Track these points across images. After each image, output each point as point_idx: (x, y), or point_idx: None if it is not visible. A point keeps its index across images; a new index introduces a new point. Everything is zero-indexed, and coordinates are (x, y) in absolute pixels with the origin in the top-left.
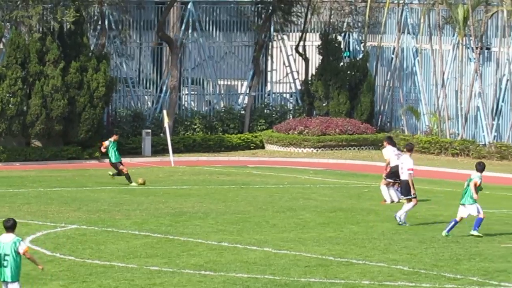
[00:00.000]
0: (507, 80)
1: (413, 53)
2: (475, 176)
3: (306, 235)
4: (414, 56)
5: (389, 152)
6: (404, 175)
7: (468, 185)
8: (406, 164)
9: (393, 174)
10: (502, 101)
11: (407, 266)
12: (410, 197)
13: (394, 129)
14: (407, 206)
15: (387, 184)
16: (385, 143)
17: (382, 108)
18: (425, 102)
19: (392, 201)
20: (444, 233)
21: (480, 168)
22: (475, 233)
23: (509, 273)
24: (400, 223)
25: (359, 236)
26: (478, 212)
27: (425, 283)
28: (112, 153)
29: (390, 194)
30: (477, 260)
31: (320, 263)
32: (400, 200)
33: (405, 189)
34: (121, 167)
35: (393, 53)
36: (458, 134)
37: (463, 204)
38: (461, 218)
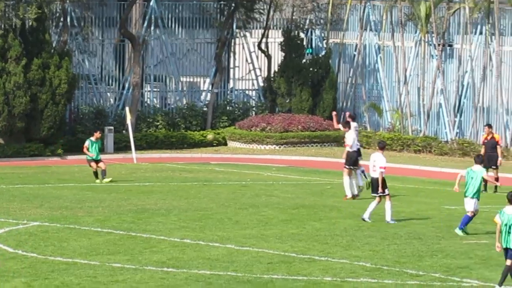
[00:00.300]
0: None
1: (376, 50)
2: (481, 169)
3: (268, 232)
4: (377, 53)
5: (351, 135)
6: (376, 173)
7: (472, 178)
8: (379, 162)
9: (352, 160)
10: (464, 98)
11: (369, 263)
12: (380, 194)
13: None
14: (387, 204)
15: (350, 174)
16: (347, 120)
17: (344, 105)
18: (387, 99)
19: (354, 196)
20: (458, 231)
21: (479, 160)
22: (459, 230)
23: (471, 269)
24: (392, 221)
25: (322, 233)
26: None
27: (388, 279)
28: (94, 151)
29: (353, 183)
30: (439, 256)
31: (283, 260)
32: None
33: (377, 187)
34: (100, 164)
35: (355, 50)
36: (421, 130)
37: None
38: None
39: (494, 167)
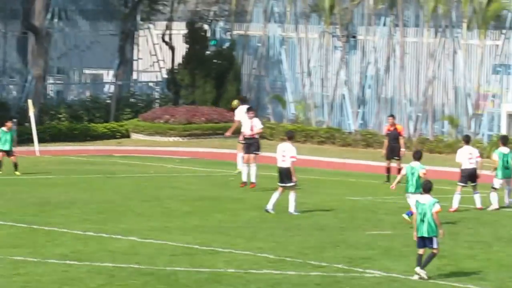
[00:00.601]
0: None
1: (279, 42)
2: (418, 165)
3: (171, 224)
4: (280, 45)
5: (240, 113)
6: (286, 163)
7: (412, 174)
8: (289, 151)
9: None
10: (368, 89)
11: (272, 254)
12: (287, 184)
13: (261, 117)
14: (291, 196)
15: (249, 161)
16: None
17: (248, 96)
18: (291, 91)
19: (245, 183)
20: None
21: (418, 156)
22: (406, 215)
23: (373, 260)
24: (296, 213)
25: (225, 225)
26: None
27: (291, 271)
28: (7, 142)
29: (250, 173)
30: (342, 247)
31: (186, 252)
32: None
33: (286, 176)
34: (11, 157)
35: (259, 42)
36: (324, 122)
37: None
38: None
39: (397, 158)
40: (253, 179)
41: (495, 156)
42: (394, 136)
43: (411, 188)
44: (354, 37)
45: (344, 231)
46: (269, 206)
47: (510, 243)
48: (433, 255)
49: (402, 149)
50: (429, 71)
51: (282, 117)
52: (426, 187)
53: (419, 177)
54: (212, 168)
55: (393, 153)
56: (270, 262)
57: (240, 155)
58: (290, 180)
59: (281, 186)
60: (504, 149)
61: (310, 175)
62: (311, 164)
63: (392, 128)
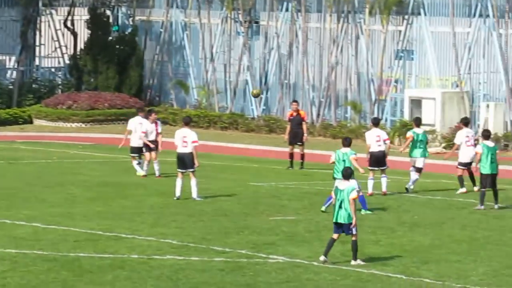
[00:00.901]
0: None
1: (182, 27)
2: (349, 151)
3: (75, 210)
4: (183, 30)
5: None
6: (186, 148)
7: (343, 160)
8: (190, 137)
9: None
10: (271, 75)
11: (176, 240)
12: (189, 170)
13: (163, 103)
14: (193, 181)
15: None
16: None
17: (151, 82)
18: (194, 76)
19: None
20: (323, 208)
21: (347, 143)
22: (364, 212)
23: (277, 245)
24: (199, 198)
25: (128, 211)
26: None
27: (194, 256)
28: None
29: (155, 168)
30: (246, 233)
31: (89, 238)
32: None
33: (189, 162)
34: None
35: (161, 27)
36: (227, 107)
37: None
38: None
39: (300, 143)
40: (157, 173)
41: (409, 133)
42: (297, 122)
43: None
44: (256, 22)
45: (247, 216)
46: (178, 194)
47: (413, 228)
48: (354, 243)
49: (305, 135)
50: (332, 56)
51: (185, 103)
52: (346, 173)
53: (350, 163)
54: (115, 154)
55: (296, 138)
56: (173, 248)
57: (135, 162)
58: (192, 165)
59: (182, 172)
60: (418, 130)
61: (214, 161)
62: (214, 150)
63: (295, 114)
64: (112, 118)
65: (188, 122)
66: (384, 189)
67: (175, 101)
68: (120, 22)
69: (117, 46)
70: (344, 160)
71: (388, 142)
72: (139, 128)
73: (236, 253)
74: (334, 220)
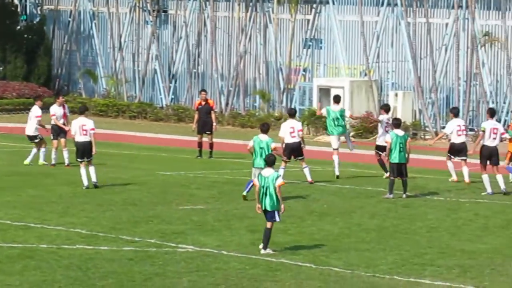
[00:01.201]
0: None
1: (90, 17)
2: (267, 138)
3: None
4: (91, 20)
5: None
6: (85, 137)
7: (263, 148)
8: (88, 125)
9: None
10: (179, 64)
11: (85, 229)
12: (90, 159)
13: (72, 92)
14: (91, 169)
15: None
16: None
17: (59, 71)
18: (102, 65)
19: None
20: (244, 193)
21: (265, 129)
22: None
23: (186, 235)
24: (94, 182)
25: (37, 200)
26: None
27: (103, 246)
28: None
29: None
30: (155, 222)
31: None
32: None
33: (89, 150)
34: None
35: (70, 17)
36: (136, 96)
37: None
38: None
39: (209, 132)
40: (67, 162)
41: (324, 111)
42: (206, 111)
43: (263, 163)
44: (165, 11)
45: (156, 206)
46: (86, 183)
47: (322, 217)
48: (268, 231)
49: (214, 124)
50: (240, 45)
51: (93, 92)
52: (269, 160)
53: (270, 150)
54: (24, 143)
55: (205, 127)
56: (82, 237)
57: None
58: (91, 153)
59: (82, 161)
60: (335, 107)
61: (123, 150)
62: (123, 139)
63: (203, 103)
64: (21, 108)
65: (83, 111)
66: (309, 178)
67: (83, 90)
68: (28, 11)
69: (25, 36)
70: (262, 148)
71: (301, 133)
72: (33, 116)
73: (145, 243)
74: (262, 208)
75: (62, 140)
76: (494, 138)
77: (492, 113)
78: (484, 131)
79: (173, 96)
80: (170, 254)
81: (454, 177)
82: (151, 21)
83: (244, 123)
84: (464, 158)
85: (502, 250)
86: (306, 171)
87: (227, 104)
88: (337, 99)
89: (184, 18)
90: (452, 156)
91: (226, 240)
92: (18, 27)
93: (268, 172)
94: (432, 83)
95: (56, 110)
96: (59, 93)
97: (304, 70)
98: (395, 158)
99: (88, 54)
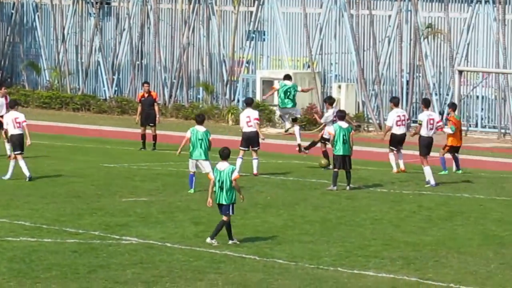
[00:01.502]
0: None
1: (33, 8)
2: (204, 130)
3: None
4: (34, 11)
5: None
6: (19, 130)
7: (201, 139)
8: (21, 117)
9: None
10: (123, 56)
11: (29, 222)
12: (19, 152)
13: (15, 85)
14: (21, 162)
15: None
16: None
17: (2, 63)
18: (45, 57)
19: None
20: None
21: (200, 120)
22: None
23: (130, 227)
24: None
25: None
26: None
27: (47, 238)
28: None
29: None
30: (99, 214)
31: None
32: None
33: (23, 142)
34: None
35: (13, 9)
36: (79, 89)
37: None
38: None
39: (152, 124)
40: (9, 153)
41: (277, 84)
42: (149, 103)
43: (202, 155)
44: (108, 3)
45: (100, 198)
46: (28, 174)
47: (265, 209)
48: (224, 223)
49: (158, 116)
50: (183, 37)
51: (37, 84)
52: (223, 153)
53: (208, 142)
54: None
55: (148, 119)
56: (26, 229)
57: None
58: (23, 145)
59: (19, 154)
60: (287, 82)
61: (66, 142)
62: (67, 131)
63: (146, 95)
64: None
65: (13, 105)
66: (255, 171)
67: (26, 82)
68: None
69: None
70: (200, 139)
71: (257, 121)
72: None
73: (89, 235)
74: (217, 202)
75: (4, 131)
76: (431, 129)
77: (427, 103)
78: (421, 124)
79: (116, 88)
80: (114, 246)
81: (395, 169)
82: (94, 13)
83: (187, 115)
84: (400, 147)
85: (445, 242)
86: (255, 163)
87: (170, 96)
88: (288, 77)
89: (127, 10)
90: (394, 148)
91: (170, 232)
92: None
93: (223, 166)
94: (375, 75)
95: None
96: (2, 84)
97: (248, 62)
98: (339, 150)
99: (31, 46)
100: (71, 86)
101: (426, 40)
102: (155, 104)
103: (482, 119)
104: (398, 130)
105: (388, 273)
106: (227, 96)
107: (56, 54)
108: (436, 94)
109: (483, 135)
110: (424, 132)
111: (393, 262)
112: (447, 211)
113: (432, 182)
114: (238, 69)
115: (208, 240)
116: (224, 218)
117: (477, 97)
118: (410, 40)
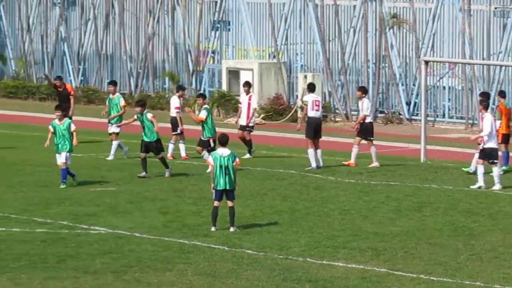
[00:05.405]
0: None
1: None
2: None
3: None
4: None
5: None
6: None
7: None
8: None
9: None
10: (88, 46)
11: None
12: None
13: None
14: None
15: None
16: None
17: None
18: (11, 47)
19: None
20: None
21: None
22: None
23: (98, 216)
24: None
25: None
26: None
27: (16, 227)
28: None
29: None
30: (67, 204)
31: None
32: None
33: None
34: None
35: None
36: (45, 78)
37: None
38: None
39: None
40: None
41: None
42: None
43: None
44: None
45: (68, 187)
46: None
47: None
48: (233, 210)
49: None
50: (148, 27)
51: (3, 74)
52: (222, 140)
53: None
54: None
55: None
56: None
57: None
58: None
59: None
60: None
61: (33, 132)
62: (33, 121)
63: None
64: None
65: None
66: (183, 154)
67: None
68: None
69: None
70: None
71: (179, 110)
72: None
73: (58, 224)
74: (219, 188)
75: None
76: (317, 110)
77: (311, 88)
78: (306, 105)
79: (82, 78)
80: (82, 236)
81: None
82: (59, 3)
83: (153, 105)
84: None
85: (414, 233)
86: (182, 146)
87: (136, 86)
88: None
89: (92, 0)
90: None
91: (138, 222)
92: None
93: (225, 152)
94: (341, 65)
95: None
96: None
97: (213, 52)
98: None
99: None
100: (37, 75)
101: (391, 30)
102: (71, 97)
103: (449, 109)
104: (369, 119)
105: (357, 264)
106: (193, 86)
107: (22, 43)
108: (402, 84)
109: (450, 126)
110: (310, 113)
111: (362, 253)
112: (415, 201)
113: (313, 164)
114: (204, 59)
115: (232, 229)
116: (229, 203)
117: (444, 87)
118: (376, 30)
